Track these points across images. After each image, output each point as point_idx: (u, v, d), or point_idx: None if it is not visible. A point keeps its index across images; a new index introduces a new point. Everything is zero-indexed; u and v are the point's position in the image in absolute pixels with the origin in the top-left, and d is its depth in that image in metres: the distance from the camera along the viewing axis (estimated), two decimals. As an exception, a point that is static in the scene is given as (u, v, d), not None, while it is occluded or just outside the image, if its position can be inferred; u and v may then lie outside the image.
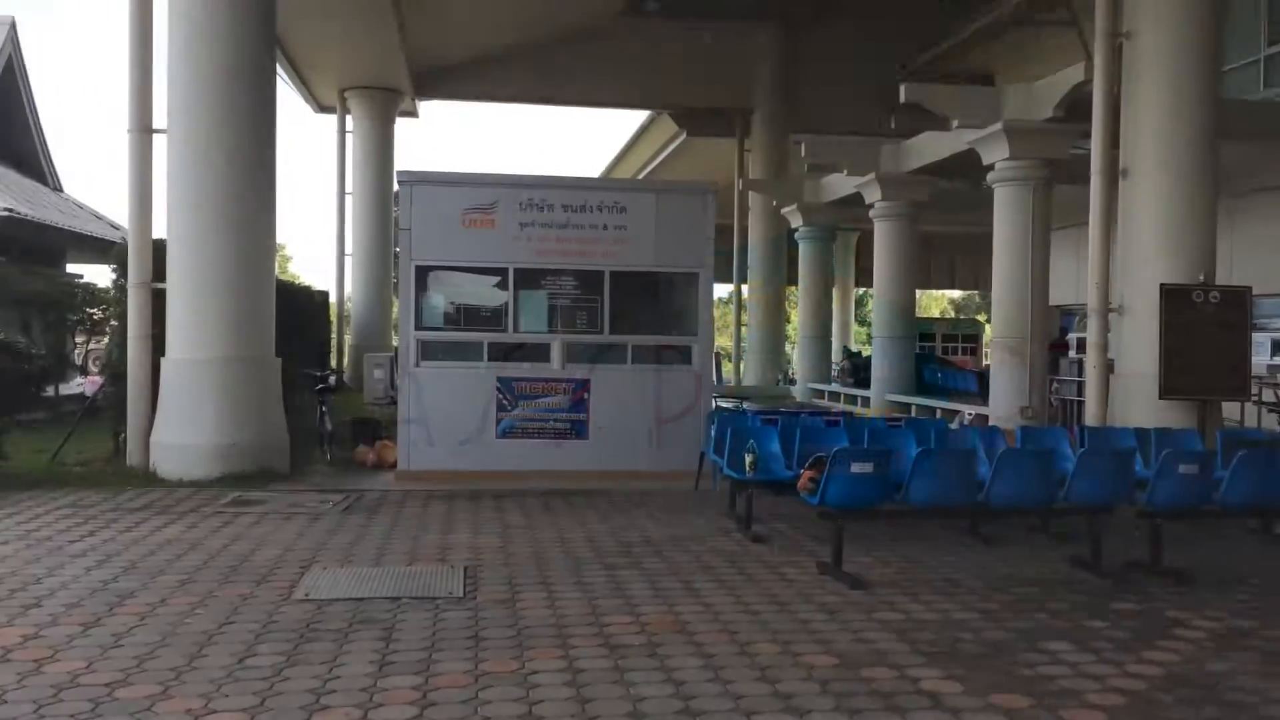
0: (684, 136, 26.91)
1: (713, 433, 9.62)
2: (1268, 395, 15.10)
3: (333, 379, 15.57)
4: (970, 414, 14.87)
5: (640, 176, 31.09)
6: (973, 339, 28.31)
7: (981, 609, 6.15)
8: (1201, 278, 11.07)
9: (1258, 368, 14.46)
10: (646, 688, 4.71)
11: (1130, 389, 11.39)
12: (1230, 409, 12.68)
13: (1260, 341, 15.91)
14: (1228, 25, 14.23)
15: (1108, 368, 11.88)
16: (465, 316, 11.39)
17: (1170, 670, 5.09)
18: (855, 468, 6.80)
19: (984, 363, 24.85)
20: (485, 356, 11.19)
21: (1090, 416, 11.69)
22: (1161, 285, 10.97)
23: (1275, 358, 17.90)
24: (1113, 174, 11.69)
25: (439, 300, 11.32)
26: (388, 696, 4.56)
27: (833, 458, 6.81)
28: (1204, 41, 11.17)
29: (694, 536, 8.25)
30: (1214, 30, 11.35)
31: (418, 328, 11.15)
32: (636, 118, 29.23)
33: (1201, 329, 10.98)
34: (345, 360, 23.44)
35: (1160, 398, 10.91)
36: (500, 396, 11.17)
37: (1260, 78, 15.60)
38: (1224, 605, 6.28)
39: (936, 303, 59.61)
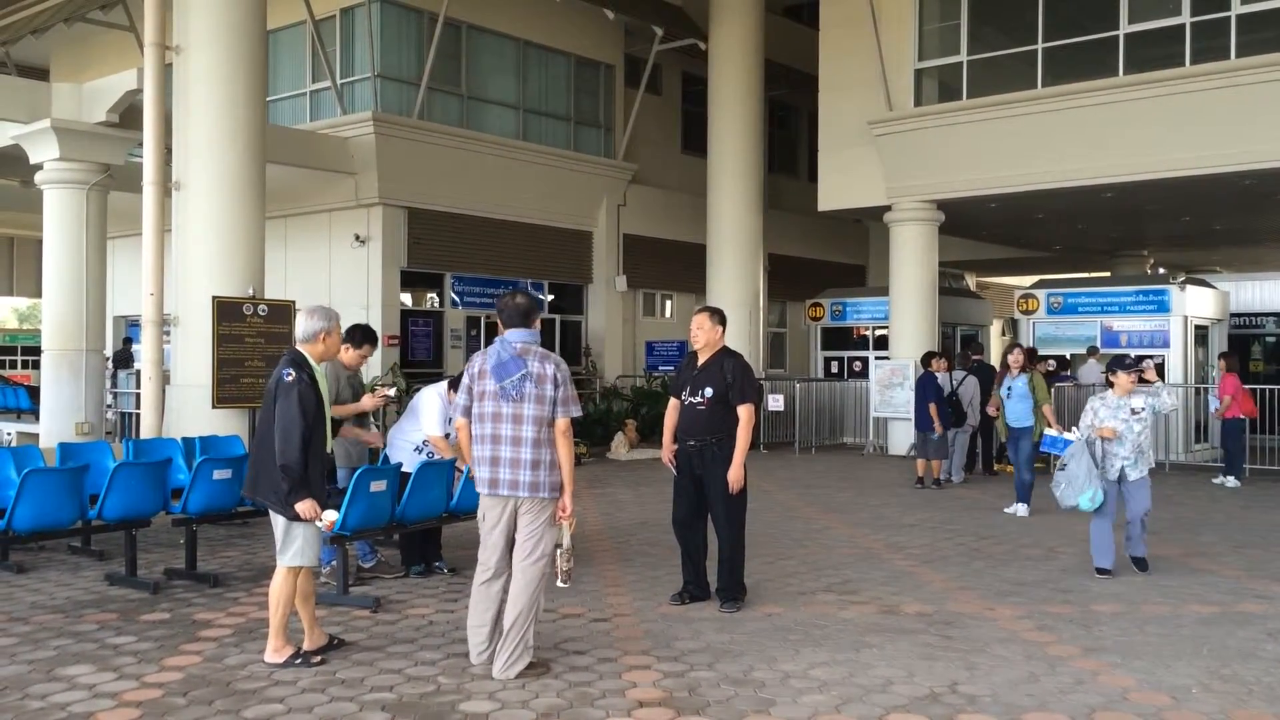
0: None
1: None
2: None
3: None
4: (9, 434, 13.65)
5: None
6: (39, 351, 26.10)
7: (-4, 646, 5.62)
8: (251, 291, 11.67)
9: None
10: None
11: (186, 399, 11.53)
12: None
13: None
14: (276, 59, 15.34)
15: (164, 379, 11.87)
16: None
17: (189, 672, 5.21)
18: None
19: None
20: None
21: (146, 428, 11.56)
22: (214, 298, 11.29)
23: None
24: (167, 185, 11.73)
25: None
26: None
27: None
28: (253, 68, 11.74)
29: None
30: (262, 60, 12.03)
31: None
32: None
33: (251, 340, 11.57)
34: None
35: (214, 407, 11.22)
36: None
37: (308, 110, 17.06)
38: (252, 601, 6.66)
39: (-3, 310, 53.73)
